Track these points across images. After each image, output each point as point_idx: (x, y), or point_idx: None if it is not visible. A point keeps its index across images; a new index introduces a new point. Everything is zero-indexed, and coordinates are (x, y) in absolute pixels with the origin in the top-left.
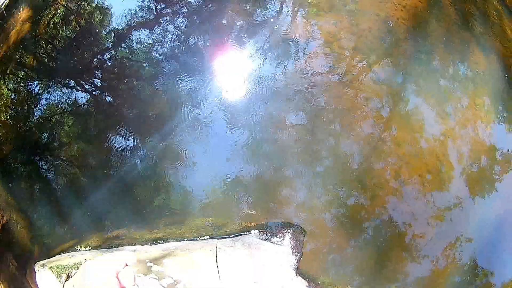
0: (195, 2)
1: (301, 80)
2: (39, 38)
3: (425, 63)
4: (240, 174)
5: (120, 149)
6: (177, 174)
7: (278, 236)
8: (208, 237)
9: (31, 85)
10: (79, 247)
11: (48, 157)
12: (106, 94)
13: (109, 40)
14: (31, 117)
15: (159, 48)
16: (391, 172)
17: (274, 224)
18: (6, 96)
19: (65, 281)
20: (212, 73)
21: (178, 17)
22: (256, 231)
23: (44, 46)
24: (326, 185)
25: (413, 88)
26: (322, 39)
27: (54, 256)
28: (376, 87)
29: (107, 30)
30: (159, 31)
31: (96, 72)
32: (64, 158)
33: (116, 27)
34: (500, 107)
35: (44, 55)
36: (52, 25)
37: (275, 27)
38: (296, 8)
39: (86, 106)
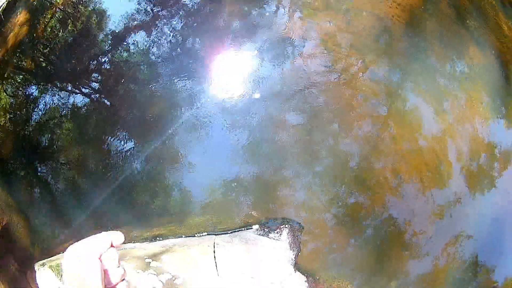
0: (191, 4)
1: (299, 80)
2: (37, 42)
3: (421, 59)
4: (240, 174)
5: (119, 150)
6: (176, 175)
7: (275, 231)
8: (206, 233)
9: (29, 89)
10: None
11: (48, 159)
12: (105, 97)
13: (107, 43)
14: (29, 121)
15: (156, 50)
16: (390, 170)
17: (271, 220)
18: (4, 101)
19: None
20: (210, 74)
21: (175, 19)
22: (254, 226)
23: (42, 50)
24: (326, 185)
25: (410, 85)
26: (318, 39)
27: (54, 256)
28: (374, 85)
29: (105, 33)
30: (156, 33)
31: (94, 74)
32: (64, 160)
33: (114, 30)
34: (498, 103)
35: (42, 59)
36: (49, 29)
37: (272, 28)
38: (292, 8)
39: (84, 109)
